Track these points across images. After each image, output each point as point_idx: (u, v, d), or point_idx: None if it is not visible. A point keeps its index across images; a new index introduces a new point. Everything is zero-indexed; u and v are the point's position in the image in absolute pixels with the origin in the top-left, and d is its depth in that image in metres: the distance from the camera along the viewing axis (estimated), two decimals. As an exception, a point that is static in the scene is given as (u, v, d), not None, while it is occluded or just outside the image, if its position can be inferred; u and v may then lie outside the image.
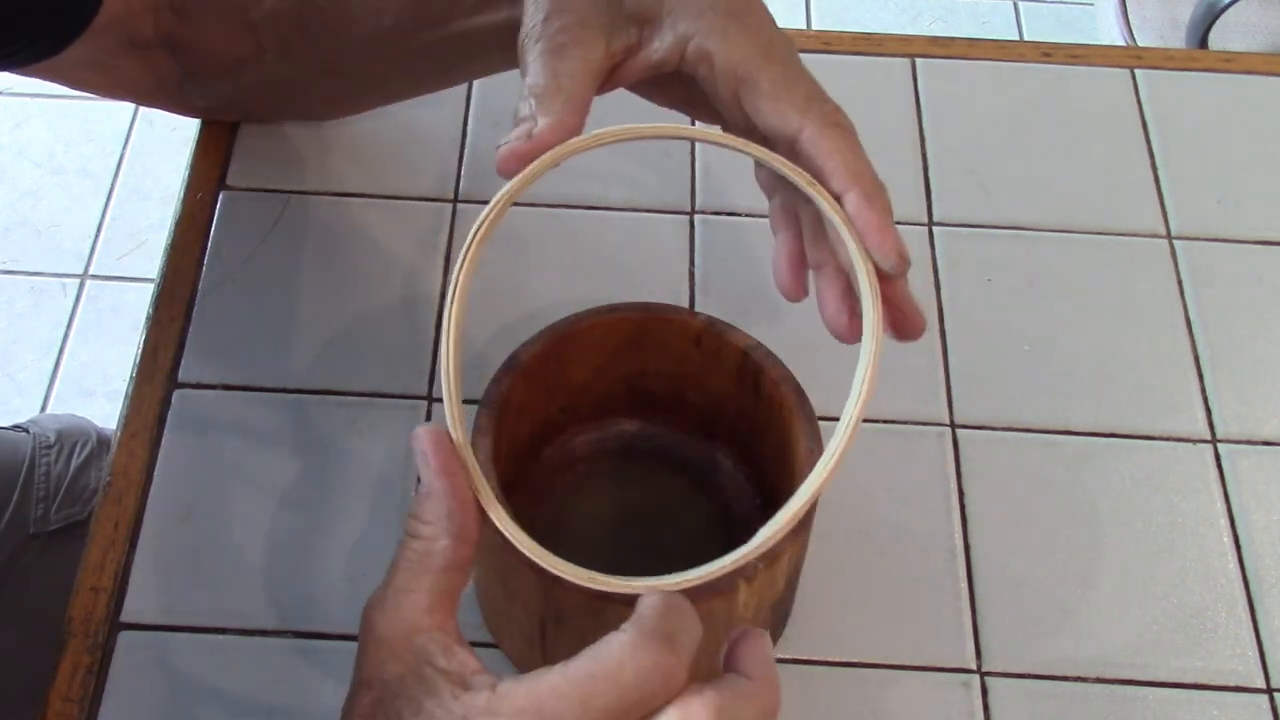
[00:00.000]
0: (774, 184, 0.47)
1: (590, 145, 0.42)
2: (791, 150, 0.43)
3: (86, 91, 0.62)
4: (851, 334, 0.45)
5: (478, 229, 0.42)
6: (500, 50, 0.51)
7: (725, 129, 0.47)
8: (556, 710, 0.35)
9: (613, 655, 0.35)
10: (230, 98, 0.65)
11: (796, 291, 0.47)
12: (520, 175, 0.42)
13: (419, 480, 0.40)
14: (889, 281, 0.43)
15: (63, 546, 0.71)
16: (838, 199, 0.42)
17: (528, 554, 0.40)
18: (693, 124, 0.49)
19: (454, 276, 0.42)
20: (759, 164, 0.45)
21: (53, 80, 0.59)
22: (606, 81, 0.46)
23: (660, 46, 0.44)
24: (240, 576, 0.54)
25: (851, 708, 0.52)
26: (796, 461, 0.47)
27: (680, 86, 0.47)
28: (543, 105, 0.42)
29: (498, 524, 0.40)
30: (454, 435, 0.40)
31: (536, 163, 0.42)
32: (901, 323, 0.44)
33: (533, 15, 0.45)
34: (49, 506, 0.73)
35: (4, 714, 0.66)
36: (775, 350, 0.50)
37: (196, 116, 0.68)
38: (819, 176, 0.42)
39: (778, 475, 0.50)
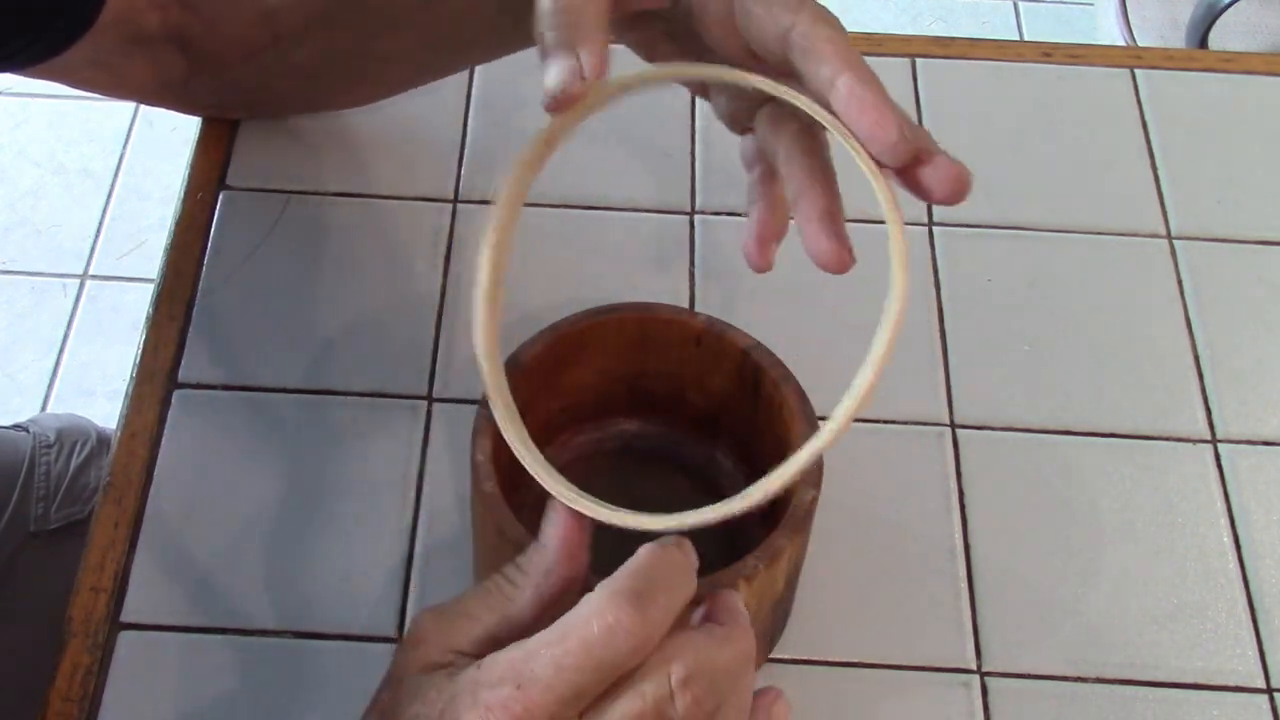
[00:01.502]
0: (756, 156, 0.47)
1: (645, 80, 0.43)
2: (783, 48, 0.41)
3: (90, 91, 0.62)
4: (837, 259, 0.43)
5: (518, 168, 0.42)
6: (511, 27, 0.51)
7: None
8: (533, 672, 0.35)
9: (580, 614, 0.36)
10: (239, 92, 0.65)
11: (763, 262, 0.46)
12: (572, 112, 0.41)
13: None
14: (912, 155, 0.41)
15: (63, 546, 0.71)
16: (830, 84, 0.40)
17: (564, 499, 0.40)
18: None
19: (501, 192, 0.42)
20: (755, 127, 0.45)
21: (56, 80, 0.58)
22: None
23: None
24: (240, 576, 0.54)
25: (851, 708, 0.52)
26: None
27: (661, 23, 0.47)
28: (576, 34, 0.41)
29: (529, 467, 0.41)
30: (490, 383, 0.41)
31: (589, 99, 0.41)
32: (937, 181, 0.41)
33: None
34: (49, 505, 0.73)
35: (4, 714, 0.66)
36: (775, 350, 0.50)
37: (201, 114, 0.68)
38: (811, 62, 0.41)
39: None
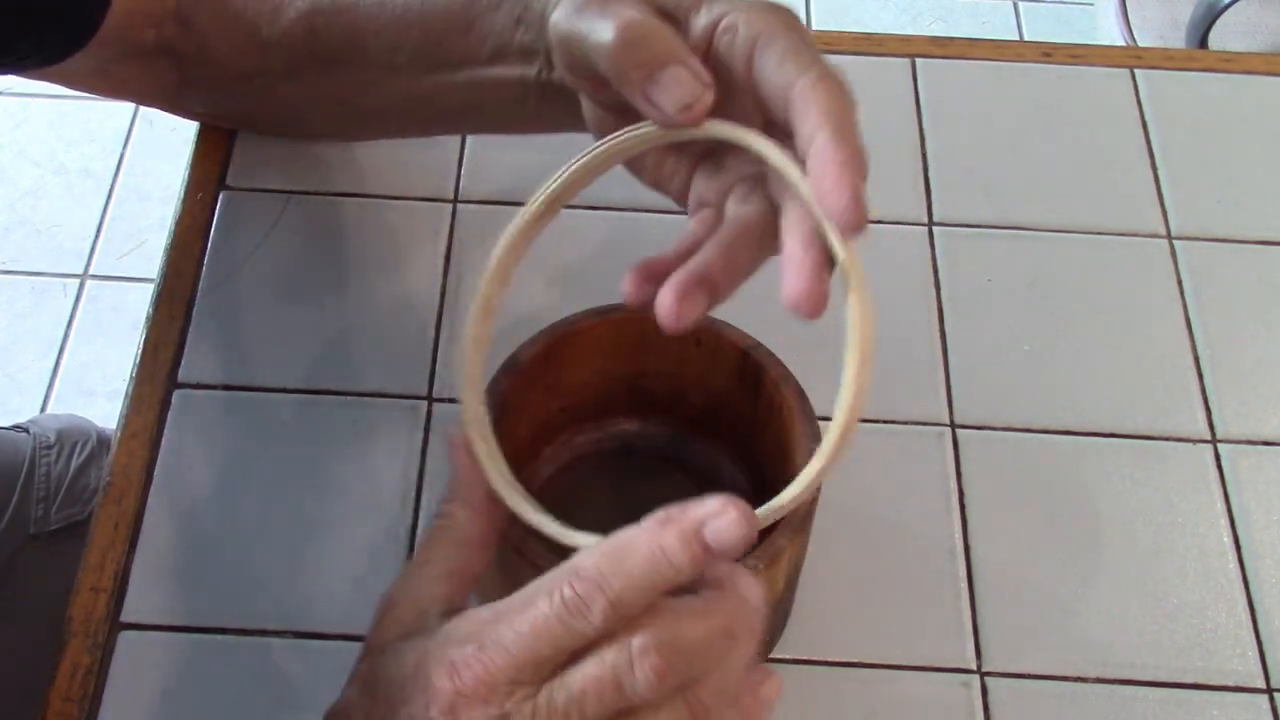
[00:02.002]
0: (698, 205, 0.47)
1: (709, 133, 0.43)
2: (785, 103, 0.41)
3: (88, 93, 0.63)
4: (809, 302, 0.41)
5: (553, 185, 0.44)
6: (505, 105, 0.52)
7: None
8: (497, 635, 0.36)
9: (547, 582, 0.36)
10: (228, 109, 0.66)
11: (681, 313, 0.43)
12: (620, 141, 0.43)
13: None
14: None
15: (63, 547, 0.71)
16: (809, 141, 0.40)
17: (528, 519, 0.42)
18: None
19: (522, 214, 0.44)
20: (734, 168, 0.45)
21: (54, 82, 0.59)
22: None
23: (697, 27, 0.44)
24: (240, 576, 0.54)
25: (851, 708, 0.52)
26: (796, 461, 0.47)
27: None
28: (667, 53, 0.42)
29: (497, 488, 0.42)
30: (469, 412, 0.43)
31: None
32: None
33: (572, 9, 0.45)
34: (49, 507, 0.73)
35: (4, 714, 0.66)
36: (775, 350, 0.50)
37: (195, 120, 0.68)
38: (802, 116, 0.40)
39: (778, 475, 0.50)
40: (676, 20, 0.44)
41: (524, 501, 0.42)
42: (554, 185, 0.44)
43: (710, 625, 0.36)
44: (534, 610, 0.35)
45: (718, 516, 0.36)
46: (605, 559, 0.36)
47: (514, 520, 0.44)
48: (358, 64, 0.57)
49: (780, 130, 0.42)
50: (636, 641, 0.35)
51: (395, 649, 0.38)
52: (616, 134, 0.44)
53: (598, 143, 0.44)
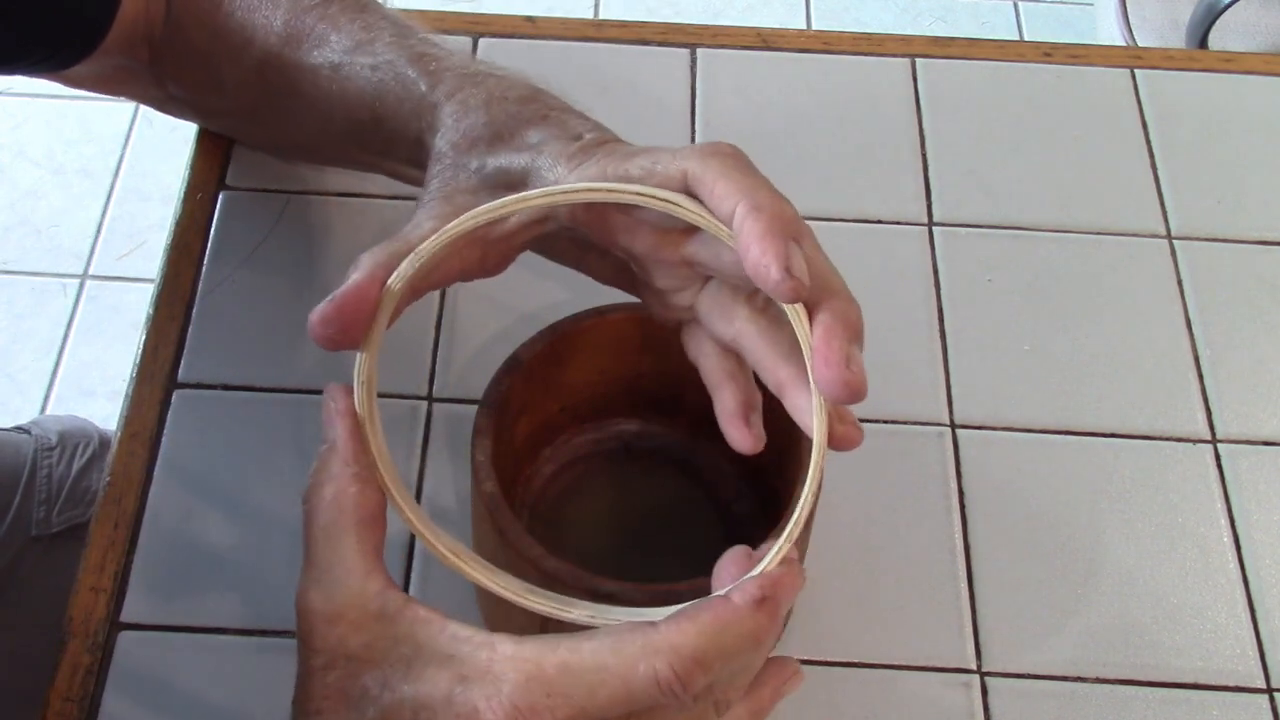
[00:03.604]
0: (704, 342, 0.47)
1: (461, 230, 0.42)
2: (681, 192, 0.41)
3: (83, 90, 0.63)
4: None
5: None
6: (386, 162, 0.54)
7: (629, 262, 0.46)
8: (567, 689, 0.35)
9: (632, 651, 0.35)
10: (216, 126, 0.67)
11: (754, 439, 0.45)
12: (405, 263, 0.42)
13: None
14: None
15: (65, 549, 0.71)
16: (728, 221, 0.39)
17: (430, 541, 0.40)
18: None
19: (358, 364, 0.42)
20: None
21: (58, 81, 0.60)
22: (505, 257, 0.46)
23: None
24: (240, 576, 0.54)
25: (851, 708, 0.52)
26: (796, 461, 0.47)
27: (566, 240, 0.47)
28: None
29: (408, 520, 0.40)
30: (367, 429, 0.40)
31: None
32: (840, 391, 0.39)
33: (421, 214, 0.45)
34: (51, 509, 0.72)
35: (6, 715, 0.66)
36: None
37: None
38: (708, 201, 0.40)
39: (777, 475, 0.50)
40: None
41: (412, 502, 0.41)
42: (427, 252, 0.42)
43: (748, 639, 0.37)
44: (620, 680, 0.35)
45: (793, 581, 0.37)
46: (706, 638, 0.35)
47: (513, 521, 0.44)
48: (297, 125, 0.57)
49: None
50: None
51: (402, 659, 0.37)
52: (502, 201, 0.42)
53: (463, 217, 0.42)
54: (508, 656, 0.36)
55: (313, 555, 0.38)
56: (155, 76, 0.60)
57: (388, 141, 0.52)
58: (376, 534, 0.39)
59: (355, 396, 0.40)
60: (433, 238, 0.42)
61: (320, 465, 0.39)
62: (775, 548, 0.39)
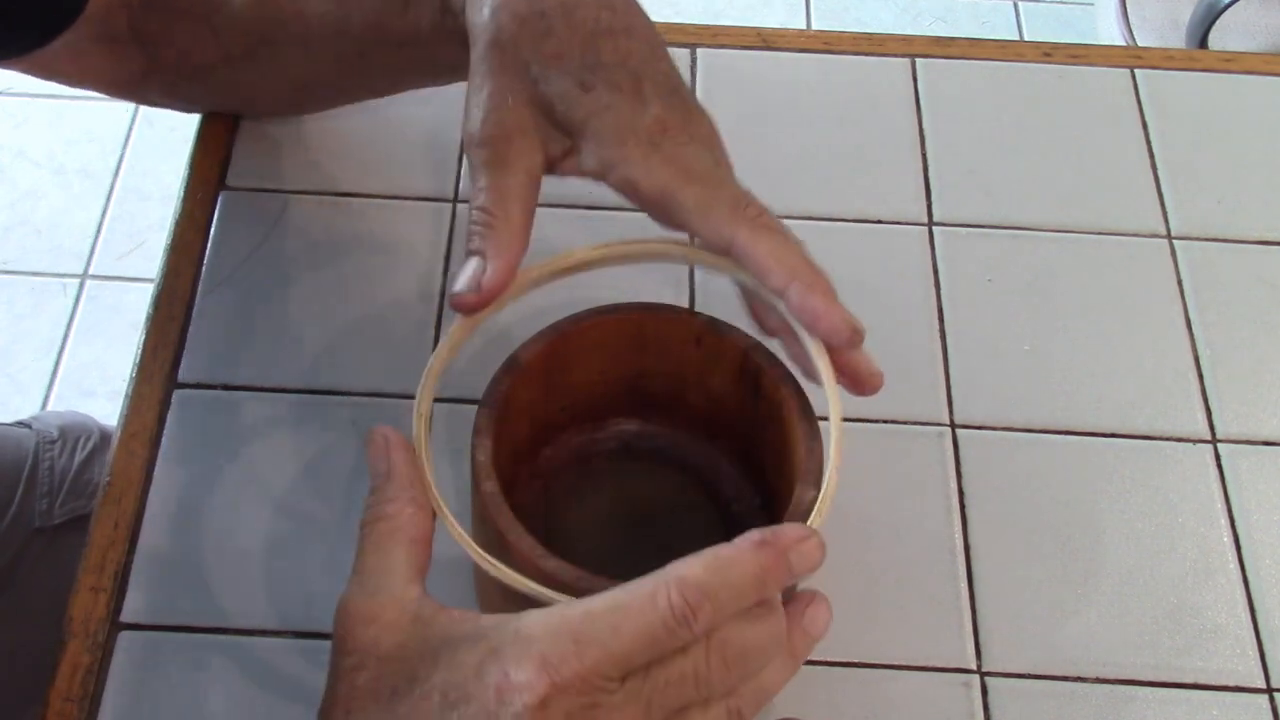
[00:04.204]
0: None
1: (536, 283, 0.48)
2: (727, 250, 0.45)
3: (57, 82, 0.62)
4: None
5: (432, 363, 0.46)
6: (443, 74, 0.56)
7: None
8: (592, 633, 0.37)
9: (645, 589, 0.37)
10: (186, 95, 0.66)
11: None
12: (471, 319, 0.46)
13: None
14: (843, 352, 0.46)
15: (67, 541, 0.71)
16: (779, 295, 0.45)
17: (475, 557, 0.42)
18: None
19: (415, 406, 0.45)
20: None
21: (25, 72, 0.59)
22: (547, 174, 0.48)
23: (588, 161, 0.46)
24: (240, 576, 0.54)
25: (851, 708, 0.52)
26: (796, 462, 0.47)
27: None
28: (491, 240, 0.45)
29: (447, 524, 0.43)
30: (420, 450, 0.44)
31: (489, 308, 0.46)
32: (860, 382, 0.47)
33: (473, 116, 0.46)
34: (53, 501, 0.73)
35: (12, 707, 0.66)
36: (775, 350, 0.50)
37: (149, 106, 0.68)
38: (759, 277, 0.45)
39: (778, 475, 0.50)
40: (571, 151, 0.46)
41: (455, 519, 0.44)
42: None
43: (773, 636, 0.40)
44: (637, 613, 0.37)
45: (804, 542, 0.40)
46: (711, 571, 0.38)
47: (511, 521, 0.44)
48: (304, 42, 0.57)
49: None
50: (718, 645, 0.38)
51: (431, 653, 0.38)
52: (580, 251, 0.48)
53: (558, 255, 0.48)
54: (533, 620, 0.37)
55: (361, 564, 0.41)
56: (137, 40, 0.60)
57: (412, 21, 0.53)
58: (424, 554, 0.42)
59: (414, 429, 0.44)
60: (443, 346, 0.46)
61: (377, 490, 0.42)
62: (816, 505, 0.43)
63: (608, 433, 0.55)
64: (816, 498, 0.46)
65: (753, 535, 0.39)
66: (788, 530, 0.40)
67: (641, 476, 0.55)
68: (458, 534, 0.43)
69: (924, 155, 0.69)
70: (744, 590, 0.38)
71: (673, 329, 0.51)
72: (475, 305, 0.45)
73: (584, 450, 0.55)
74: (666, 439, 0.55)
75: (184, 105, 0.68)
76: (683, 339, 0.51)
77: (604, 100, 0.45)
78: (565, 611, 0.37)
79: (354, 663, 0.39)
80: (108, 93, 0.65)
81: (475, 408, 0.48)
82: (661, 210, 0.46)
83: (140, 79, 0.63)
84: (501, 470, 0.46)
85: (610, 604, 0.37)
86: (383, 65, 0.58)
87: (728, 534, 0.52)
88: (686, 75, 0.71)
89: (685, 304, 0.62)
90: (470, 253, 0.45)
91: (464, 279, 0.45)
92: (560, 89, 0.46)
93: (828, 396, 0.45)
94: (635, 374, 0.53)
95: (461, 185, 0.66)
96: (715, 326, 0.50)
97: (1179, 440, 0.60)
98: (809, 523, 0.43)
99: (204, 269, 0.63)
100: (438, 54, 0.54)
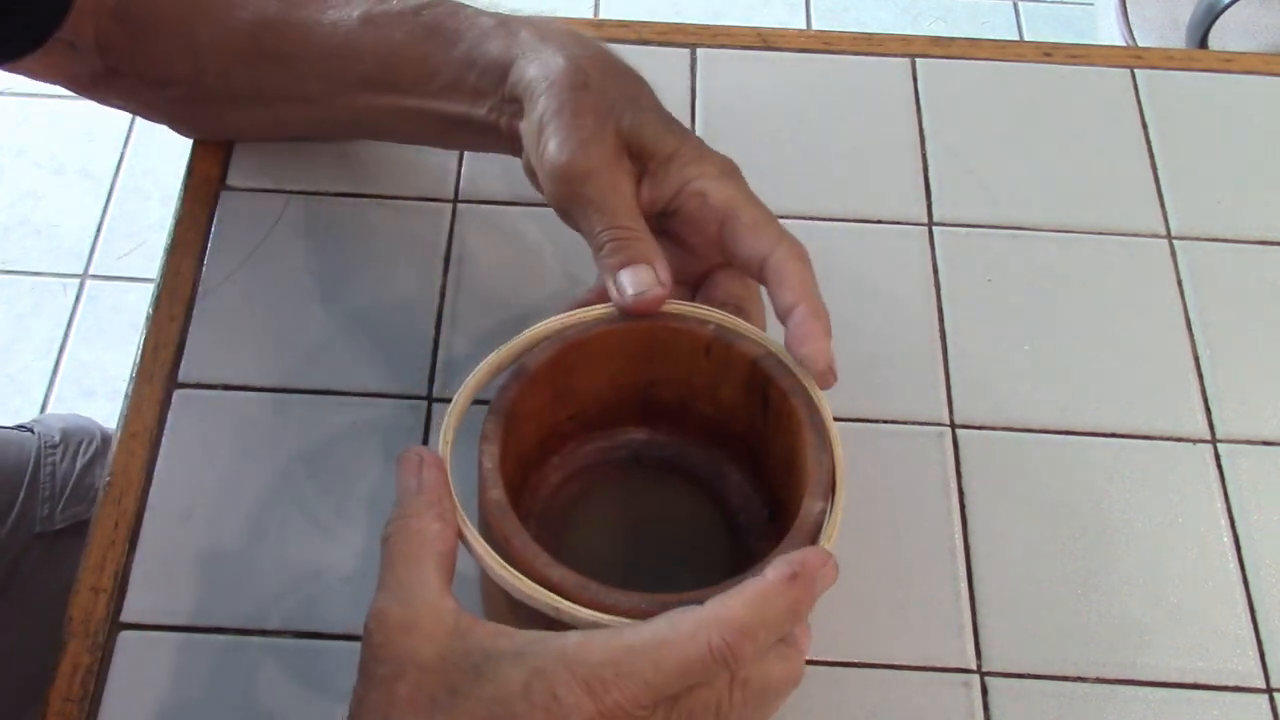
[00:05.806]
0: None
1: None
2: (760, 268, 0.50)
3: (22, 75, 0.62)
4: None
5: (457, 401, 0.47)
6: (443, 134, 0.58)
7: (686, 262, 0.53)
8: (634, 666, 0.38)
9: (687, 627, 0.39)
10: (147, 102, 0.65)
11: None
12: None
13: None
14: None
15: (68, 545, 0.71)
16: (786, 309, 0.48)
17: (496, 569, 0.43)
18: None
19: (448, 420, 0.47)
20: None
21: None
22: None
23: (666, 182, 0.51)
24: (240, 576, 0.54)
25: (851, 708, 0.52)
26: (804, 472, 0.47)
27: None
28: (643, 247, 0.49)
29: (470, 542, 0.44)
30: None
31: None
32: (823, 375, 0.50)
33: (568, 149, 0.50)
34: (54, 506, 0.73)
35: (11, 712, 0.66)
36: (784, 360, 0.50)
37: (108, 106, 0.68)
38: (776, 287, 0.49)
39: (786, 486, 0.50)
40: (643, 162, 0.51)
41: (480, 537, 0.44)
42: (504, 350, 0.49)
43: (793, 677, 0.43)
44: (679, 650, 0.39)
45: (825, 569, 0.42)
46: (751, 610, 0.39)
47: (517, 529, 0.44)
48: (298, 81, 0.59)
49: (753, 270, 0.50)
50: (742, 683, 0.40)
51: (472, 667, 0.39)
52: (575, 312, 0.49)
53: (554, 317, 0.49)
54: (576, 644, 0.39)
55: (392, 574, 0.42)
56: (98, 48, 0.60)
57: (429, 73, 0.55)
58: (449, 567, 0.43)
59: (442, 449, 0.46)
60: (457, 400, 0.47)
61: (404, 503, 0.44)
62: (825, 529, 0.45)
63: (616, 441, 0.55)
64: (824, 510, 0.46)
65: (783, 568, 0.41)
66: (811, 558, 0.41)
67: (649, 485, 0.54)
68: (482, 549, 0.43)
69: (924, 155, 0.69)
70: (780, 626, 0.40)
71: (682, 338, 0.51)
72: (663, 298, 0.49)
73: (591, 459, 0.54)
74: (674, 448, 0.55)
75: (144, 115, 0.67)
76: (692, 348, 0.51)
77: (684, 133, 0.52)
78: (609, 641, 0.39)
79: (391, 671, 0.39)
80: (72, 89, 0.65)
81: (475, 407, 0.48)
82: (719, 218, 0.50)
83: (101, 80, 0.62)
84: (508, 478, 0.46)
85: (653, 639, 0.39)
86: (368, 114, 0.60)
87: (734, 544, 0.52)
88: (686, 75, 0.71)
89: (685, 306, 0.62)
90: (622, 264, 0.49)
91: (637, 281, 0.48)
92: (649, 122, 0.51)
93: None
94: (644, 383, 0.53)
95: (462, 185, 0.66)
96: (725, 336, 0.50)
97: (1179, 440, 0.60)
98: (822, 541, 0.44)
99: (204, 269, 0.63)
100: (440, 115, 0.57)
